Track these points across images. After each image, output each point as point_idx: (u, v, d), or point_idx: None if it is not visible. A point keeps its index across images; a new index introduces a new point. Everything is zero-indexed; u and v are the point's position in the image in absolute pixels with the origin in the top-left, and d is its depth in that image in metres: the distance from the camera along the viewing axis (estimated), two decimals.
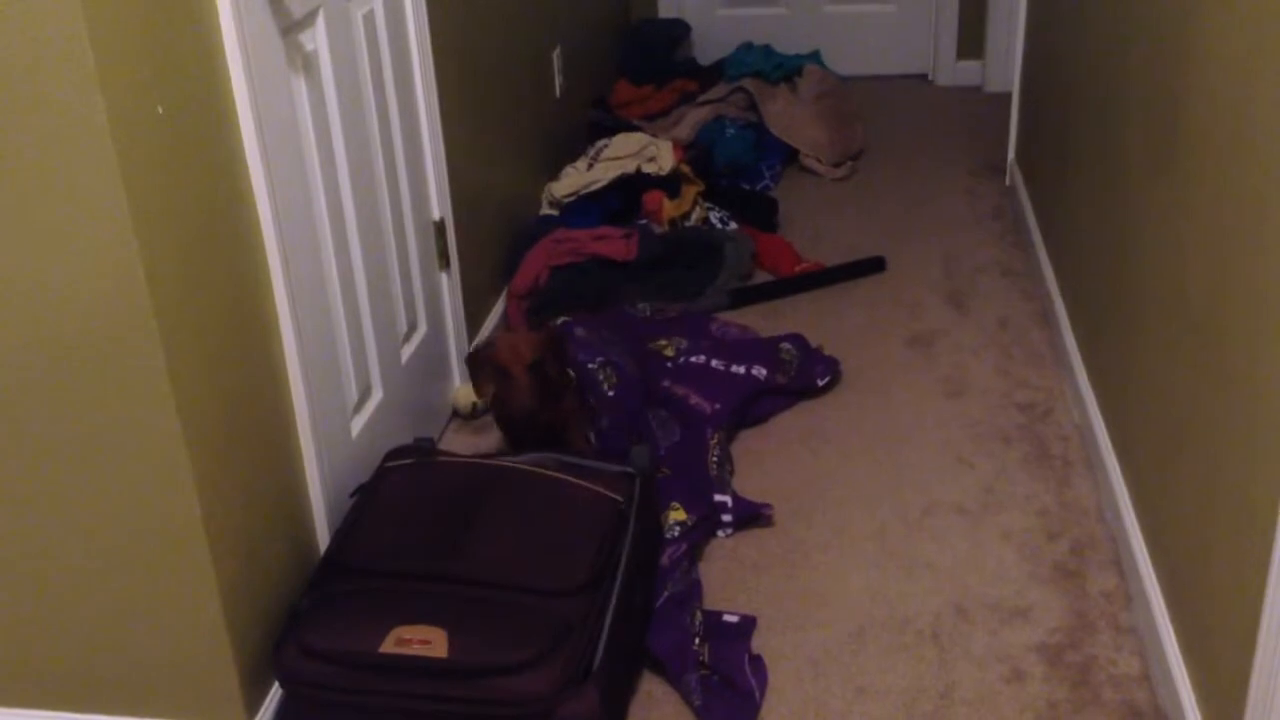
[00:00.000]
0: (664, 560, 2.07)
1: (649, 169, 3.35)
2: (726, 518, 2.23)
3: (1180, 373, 1.80)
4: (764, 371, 2.56)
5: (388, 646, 1.68)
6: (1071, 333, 2.63)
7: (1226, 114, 1.62)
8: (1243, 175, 1.54)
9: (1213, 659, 1.64)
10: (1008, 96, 3.72)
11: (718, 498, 2.24)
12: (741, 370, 2.56)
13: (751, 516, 2.25)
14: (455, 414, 2.65)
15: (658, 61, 4.36)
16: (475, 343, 2.54)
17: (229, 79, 1.67)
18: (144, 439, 1.59)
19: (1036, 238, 3.12)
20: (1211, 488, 1.65)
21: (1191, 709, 1.69)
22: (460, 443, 2.57)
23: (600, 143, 3.49)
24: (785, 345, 2.67)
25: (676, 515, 2.15)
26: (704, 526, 2.20)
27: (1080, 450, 2.42)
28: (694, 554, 2.14)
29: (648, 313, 2.89)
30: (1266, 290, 1.45)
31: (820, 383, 2.65)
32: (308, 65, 1.92)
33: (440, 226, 2.53)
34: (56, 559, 1.69)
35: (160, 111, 1.52)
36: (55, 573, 1.70)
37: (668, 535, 2.12)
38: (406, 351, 2.38)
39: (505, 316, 2.99)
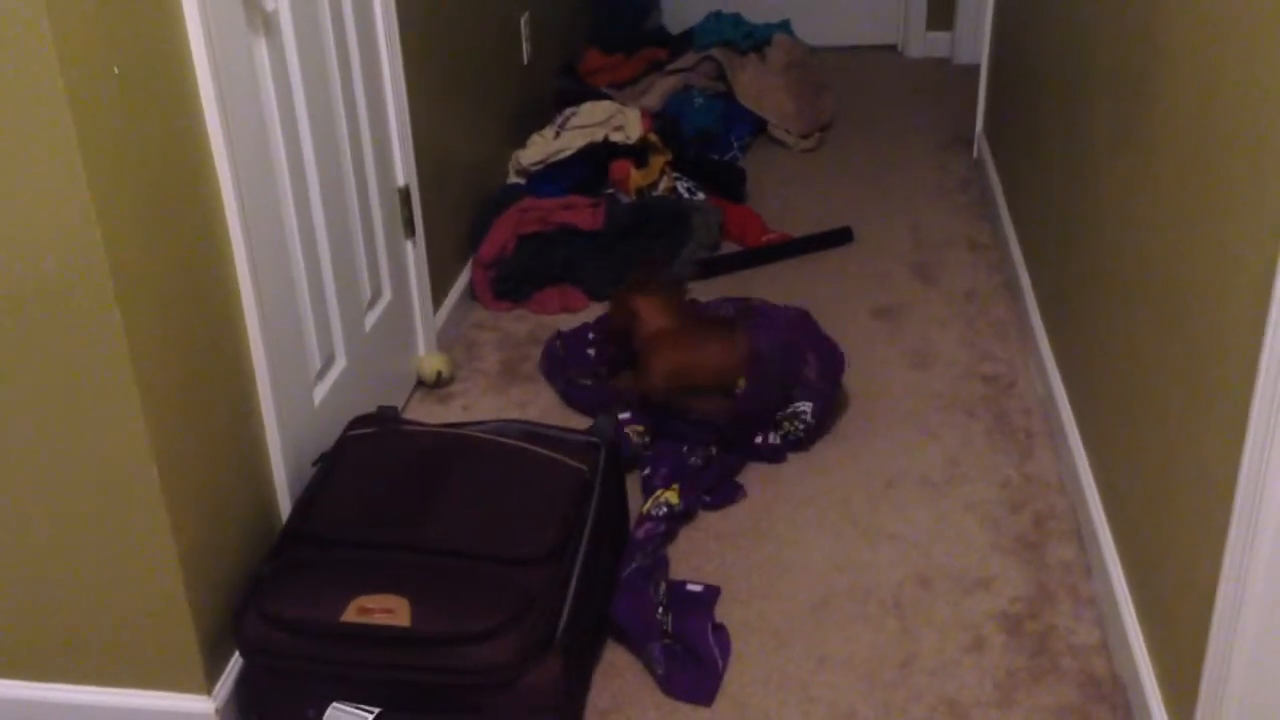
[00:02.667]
0: (639, 534, 2.07)
1: (617, 138, 3.33)
2: (707, 498, 2.24)
3: (1140, 346, 1.81)
4: None
5: (349, 615, 1.67)
6: (1036, 305, 2.65)
7: (1191, 88, 1.62)
8: (1206, 149, 1.55)
9: (1170, 629, 1.66)
10: (977, 69, 3.72)
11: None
12: None
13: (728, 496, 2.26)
14: (419, 383, 2.63)
15: (627, 29, 4.33)
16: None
17: (187, 38, 1.64)
18: (101, 405, 1.56)
19: (1003, 210, 3.13)
20: (1170, 460, 1.66)
21: (1149, 678, 1.71)
22: (424, 411, 2.55)
23: (568, 111, 3.46)
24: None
25: (669, 496, 2.15)
26: (689, 514, 2.20)
27: (1043, 422, 2.44)
28: (670, 535, 2.14)
29: None
30: (1227, 264, 1.45)
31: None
32: (268, 26, 1.89)
33: (405, 193, 2.50)
34: (11, 526, 1.66)
35: (116, 71, 1.49)
36: (10, 540, 1.67)
37: (655, 513, 2.11)
38: (370, 319, 2.36)
39: (471, 285, 2.97)
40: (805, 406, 2.35)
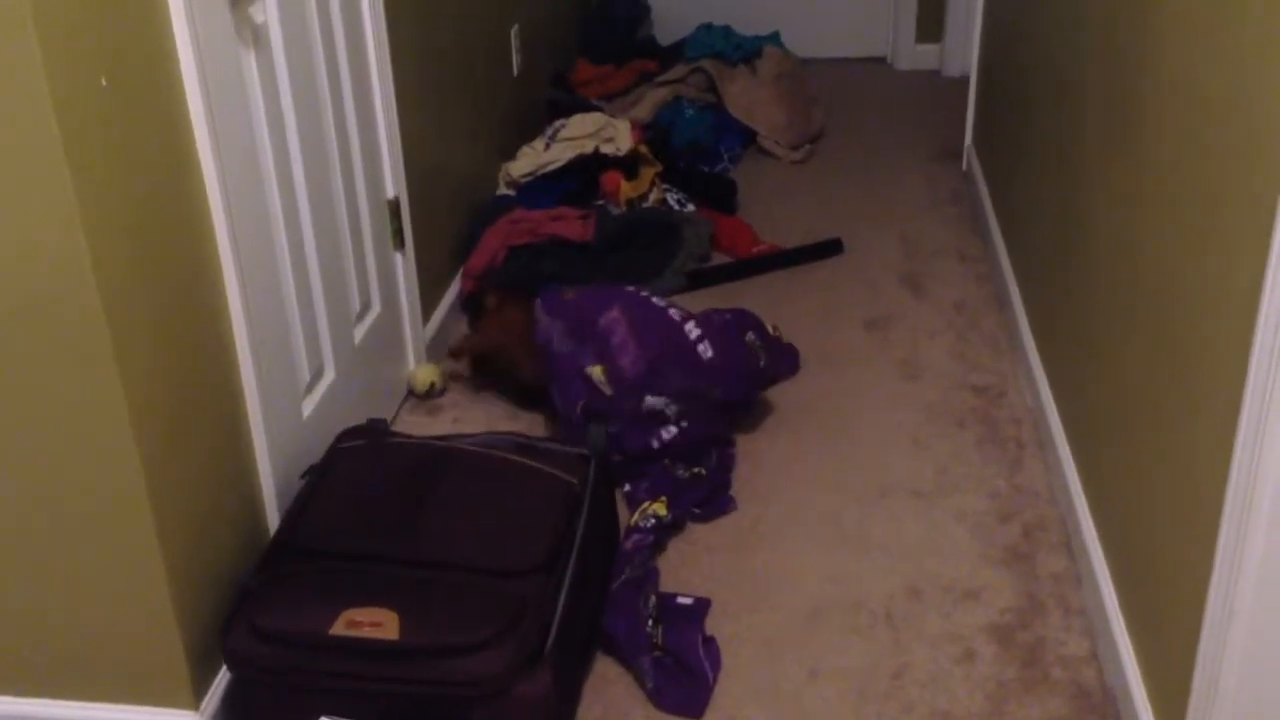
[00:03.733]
0: (628, 545, 2.06)
1: (607, 149, 3.33)
2: (697, 510, 2.24)
3: (1129, 357, 1.81)
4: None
5: (338, 628, 1.67)
6: (1026, 316, 2.65)
7: (1180, 99, 1.63)
8: (1195, 159, 1.55)
9: (1160, 639, 1.66)
10: (966, 81, 3.73)
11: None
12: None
13: (719, 508, 2.26)
14: (410, 394, 2.63)
15: (617, 41, 4.34)
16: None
17: (176, 51, 1.64)
18: (89, 418, 1.55)
19: (993, 222, 3.14)
20: (1159, 470, 1.66)
21: (1138, 688, 1.71)
22: (414, 424, 2.55)
23: (558, 122, 3.47)
24: (751, 337, 2.64)
25: (657, 508, 2.14)
26: (679, 526, 2.19)
27: (1033, 433, 2.44)
28: (658, 546, 2.14)
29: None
30: (1215, 275, 1.46)
31: (783, 379, 2.65)
32: (257, 38, 1.89)
33: (395, 205, 2.50)
34: None
35: (104, 84, 1.48)
36: None
37: (643, 524, 2.11)
38: (360, 331, 2.36)
39: (461, 297, 2.96)
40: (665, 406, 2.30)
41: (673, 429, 2.29)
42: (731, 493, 2.30)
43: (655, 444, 2.28)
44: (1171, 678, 1.60)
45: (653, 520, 2.12)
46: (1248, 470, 1.34)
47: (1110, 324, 1.94)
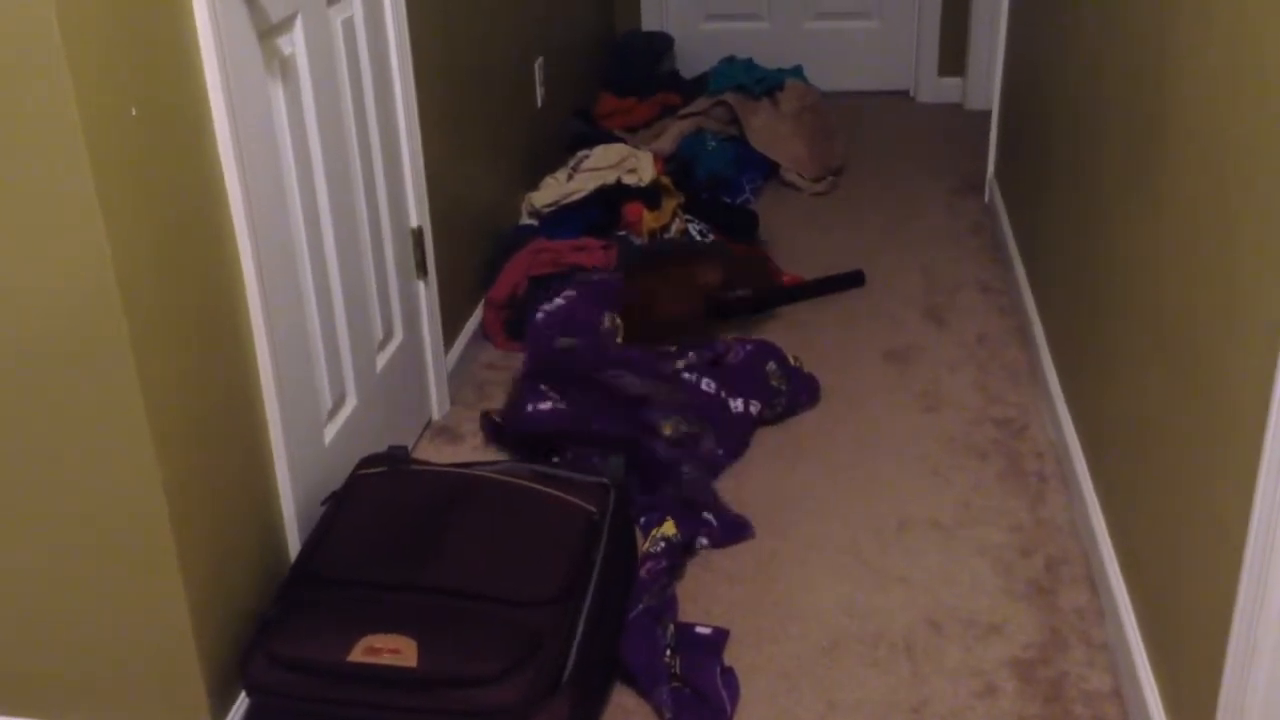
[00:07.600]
0: (644, 573, 2.06)
1: (629, 180, 3.35)
2: (704, 541, 2.23)
3: (1152, 390, 1.81)
4: (758, 406, 2.56)
5: (357, 655, 1.67)
6: (1048, 349, 2.64)
7: (1201, 133, 1.63)
8: (1216, 193, 1.55)
9: (1183, 675, 1.64)
10: (988, 114, 3.74)
11: (704, 514, 2.26)
12: (740, 408, 2.56)
13: (735, 535, 2.25)
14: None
15: (640, 74, 4.37)
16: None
17: (204, 82, 1.66)
18: (113, 444, 1.57)
19: (1015, 254, 3.13)
20: (1182, 505, 1.65)
21: None
22: (434, 451, 2.55)
23: (581, 153, 3.49)
24: (772, 366, 2.65)
25: (665, 530, 2.14)
26: (690, 544, 2.19)
27: (1055, 466, 2.43)
28: (674, 571, 2.13)
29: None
30: (1237, 308, 1.45)
31: (802, 409, 2.66)
32: (285, 70, 1.91)
33: (418, 234, 2.52)
34: (21, 564, 1.67)
35: (133, 113, 1.51)
36: (19, 577, 1.68)
37: (654, 549, 2.11)
38: (382, 359, 2.37)
39: (483, 326, 2.98)
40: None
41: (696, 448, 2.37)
42: (748, 518, 2.29)
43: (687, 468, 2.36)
44: (1195, 714, 1.58)
45: (663, 543, 2.12)
46: (1271, 503, 1.33)
47: (1132, 357, 1.93)
